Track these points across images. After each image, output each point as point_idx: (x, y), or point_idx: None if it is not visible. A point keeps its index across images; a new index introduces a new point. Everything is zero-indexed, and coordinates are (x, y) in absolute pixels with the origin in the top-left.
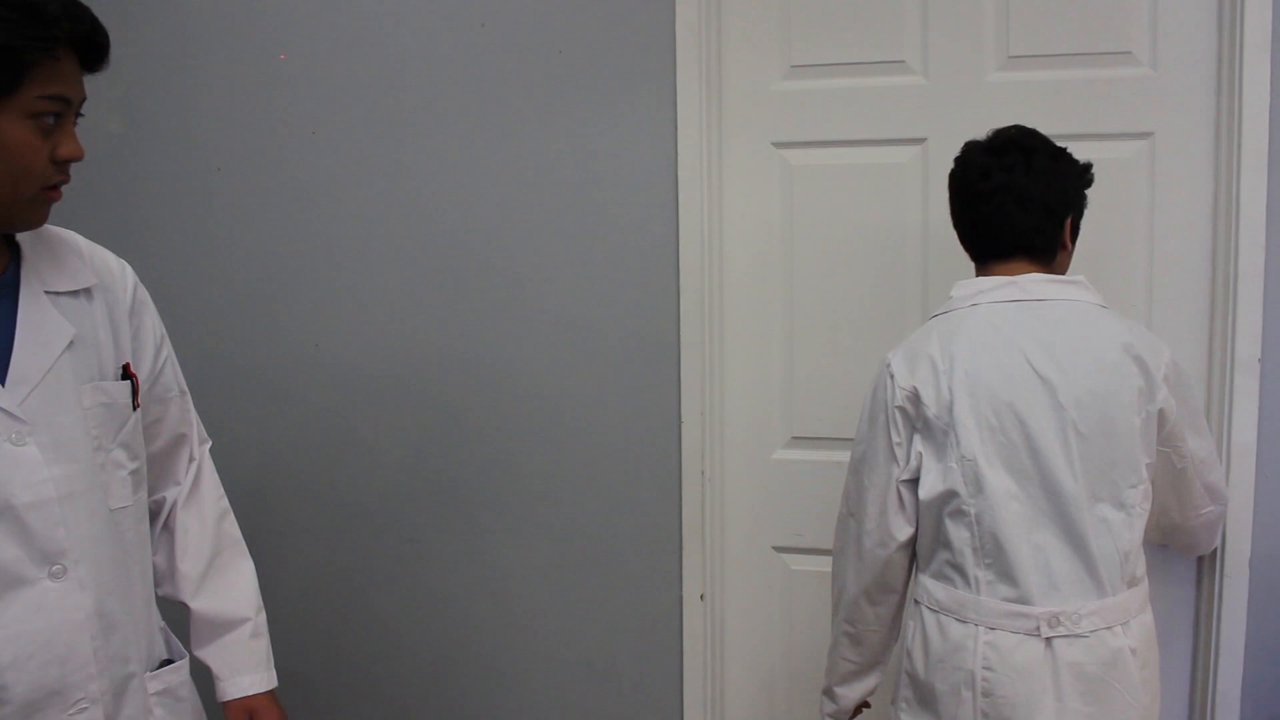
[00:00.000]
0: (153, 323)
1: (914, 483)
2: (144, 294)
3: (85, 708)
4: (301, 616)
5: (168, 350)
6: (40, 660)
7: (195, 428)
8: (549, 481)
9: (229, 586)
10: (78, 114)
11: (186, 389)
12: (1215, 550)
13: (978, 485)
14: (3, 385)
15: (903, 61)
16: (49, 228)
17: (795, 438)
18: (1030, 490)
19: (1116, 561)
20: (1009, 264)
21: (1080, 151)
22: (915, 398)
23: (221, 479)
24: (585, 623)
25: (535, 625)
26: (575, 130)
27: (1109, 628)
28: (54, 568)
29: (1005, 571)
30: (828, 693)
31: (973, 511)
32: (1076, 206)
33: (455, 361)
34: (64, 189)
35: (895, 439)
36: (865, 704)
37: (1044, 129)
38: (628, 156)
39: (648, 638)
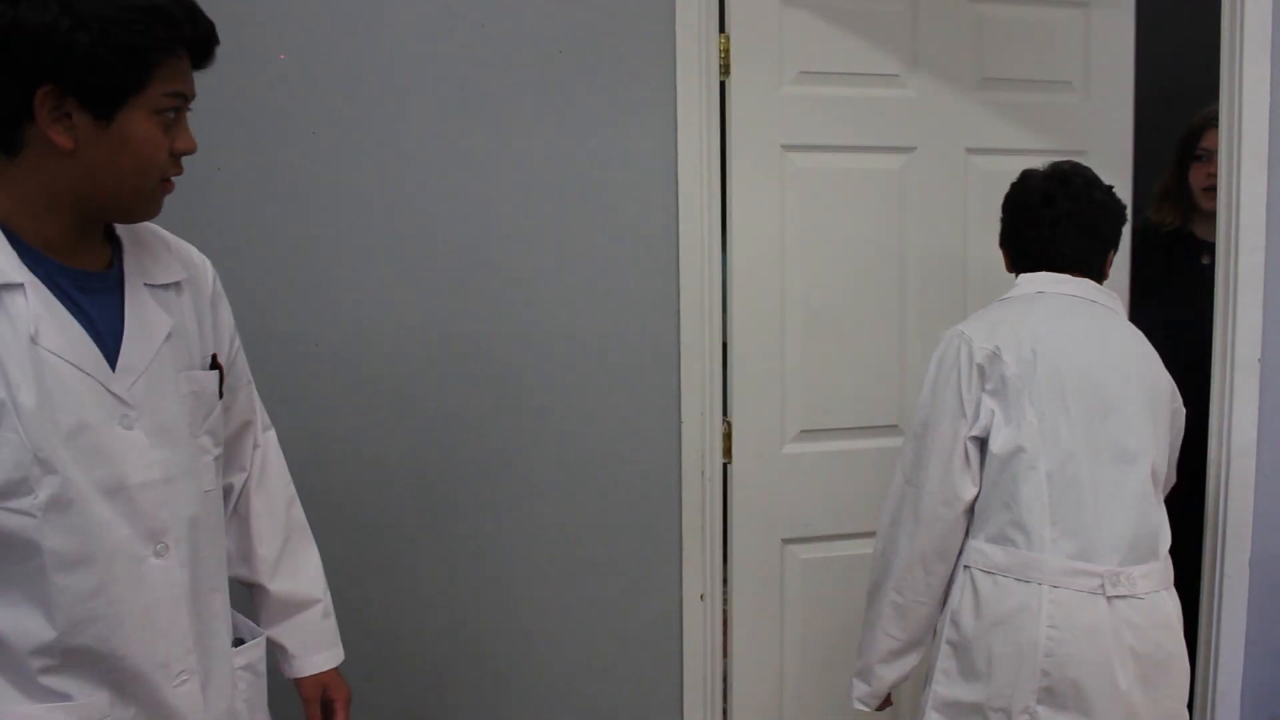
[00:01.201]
0: (228, 314)
1: (980, 442)
2: (220, 287)
3: (186, 679)
4: None
5: (239, 341)
6: (151, 632)
7: (260, 415)
8: (548, 482)
9: (301, 568)
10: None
11: (252, 378)
12: (1215, 550)
13: (1054, 442)
14: (113, 372)
15: (897, 75)
16: (143, 225)
17: (804, 431)
18: (1099, 451)
19: (1159, 529)
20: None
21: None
22: (997, 356)
23: None
24: (585, 623)
25: (535, 625)
26: (575, 130)
27: (1158, 591)
28: (158, 546)
29: (1073, 528)
30: (863, 674)
31: (1044, 467)
32: (1116, 241)
33: (454, 361)
34: None
35: (966, 395)
36: (889, 700)
37: (1012, 144)
38: (628, 156)
39: (648, 638)
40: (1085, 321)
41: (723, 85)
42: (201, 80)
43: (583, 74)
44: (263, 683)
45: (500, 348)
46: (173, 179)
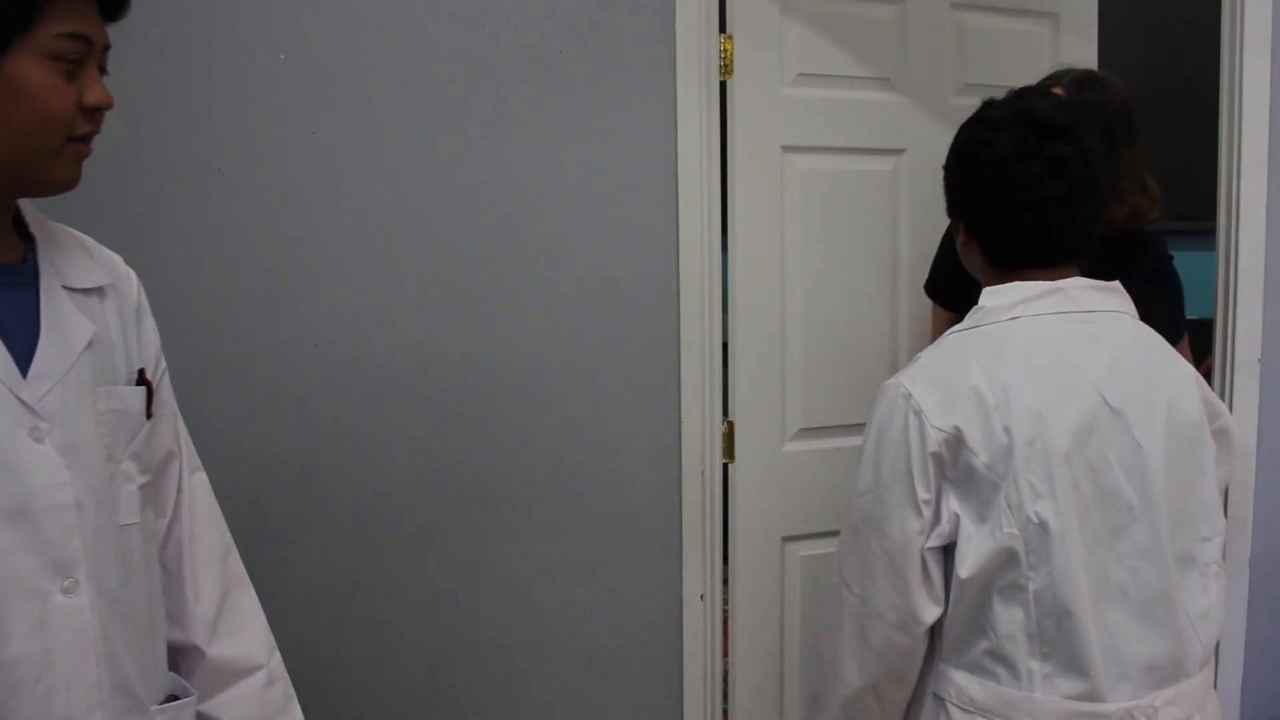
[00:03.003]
0: (154, 331)
1: (941, 551)
2: (145, 300)
3: None
4: (301, 616)
5: (164, 363)
6: (46, 685)
7: (186, 453)
8: (548, 482)
9: (243, 627)
10: (103, 66)
11: (178, 411)
12: None
13: (1043, 552)
14: (24, 379)
15: (888, 80)
16: (58, 225)
17: (804, 429)
18: (1101, 555)
19: (1196, 633)
20: (1054, 269)
21: None
22: (957, 441)
23: (221, 480)
24: (585, 623)
25: (536, 625)
26: (575, 130)
27: (1190, 718)
28: (66, 581)
29: (1070, 660)
30: None
31: (1032, 586)
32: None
33: (455, 361)
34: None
35: (922, 495)
36: None
37: None
38: (628, 157)
39: (648, 638)
40: (1081, 355)
41: (723, 86)
42: (201, 81)
43: (583, 74)
44: None
45: (501, 348)
46: (89, 142)
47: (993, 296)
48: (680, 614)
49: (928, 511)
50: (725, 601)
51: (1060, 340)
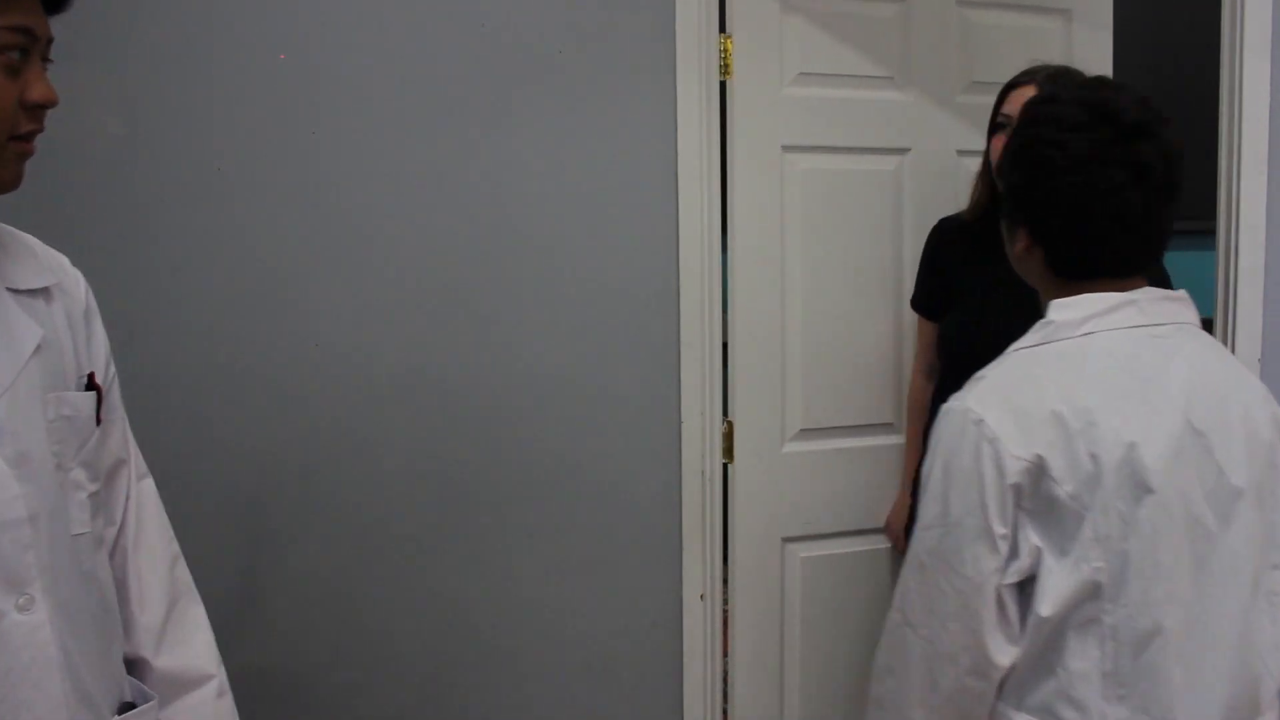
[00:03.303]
0: (103, 333)
1: (1017, 588)
2: (94, 303)
3: None
4: (300, 617)
5: (114, 368)
6: (10, 705)
7: (135, 459)
8: (549, 481)
9: (190, 637)
10: (46, 58)
11: (126, 417)
12: None
13: (1126, 584)
14: None
15: (891, 78)
16: (1, 225)
17: (804, 430)
18: (1184, 586)
19: (1268, 667)
20: (1125, 280)
21: None
22: (1039, 470)
23: (219, 480)
24: (585, 623)
25: (535, 625)
26: (575, 130)
27: None
28: (21, 598)
29: (1148, 702)
30: None
31: (1110, 621)
32: None
33: (455, 361)
34: (61, 191)
35: (999, 529)
36: None
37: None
38: (628, 157)
39: (648, 638)
40: (1161, 373)
41: (723, 86)
42: (201, 80)
43: (583, 74)
44: None
45: (500, 347)
46: (32, 141)
47: (1062, 310)
48: (680, 614)
49: (1004, 547)
50: (725, 601)
51: (1138, 357)
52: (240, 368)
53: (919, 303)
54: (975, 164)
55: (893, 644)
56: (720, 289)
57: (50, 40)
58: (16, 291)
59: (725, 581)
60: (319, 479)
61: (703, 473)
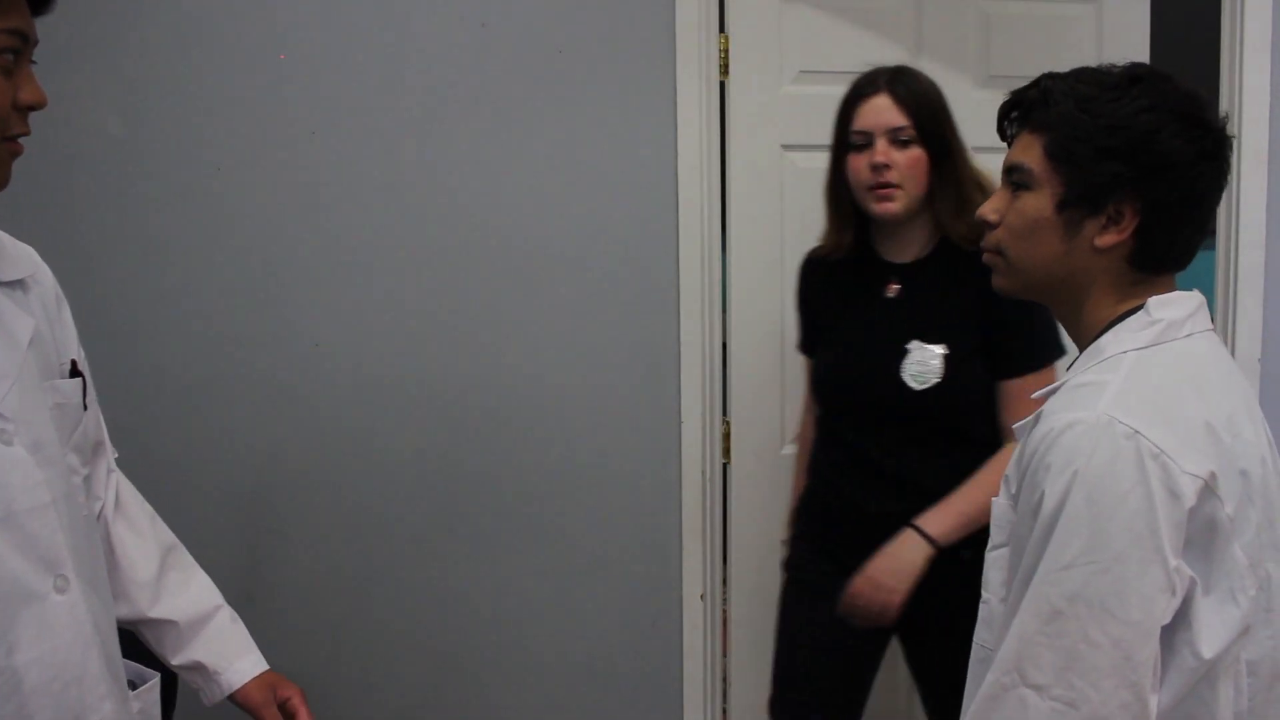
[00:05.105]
0: (71, 319)
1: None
2: (60, 289)
3: None
4: (302, 617)
5: (82, 350)
6: (62, 682)
7: (106, 436)
8: (550, 482)
9: (187, 582)
10: (31, 60)
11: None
12: None
13: (1265, 613)
14: None
15: None
16: None
17: None
18: None
19: None
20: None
21: None
22: (1209, 490)
23: (222, 479)
24: (586, 623)
25: (536, 625)
26: (575, 130)
27: None
28: (57, 579)
29: None
30: None
31: (1247, 656)
32: None
33: (455, 361)
34: (61, 191)
35: (1173, 561)
36: None
37: None
38: (628, 156)
39: (648, 638)
40: (1239, 378)
41: (722, 85)
42: (201, 80)
43: (583, 74)
44: None
45: (500, 347)
46: (20, 140)
47: (1165, 308)
48: (680, 614)
49: (1178, 583)
50: (725, 601)
51: (1228, 361)
52: (240, 367)
53: (800, 343)
54: (994, 161)
55: (1004, 717)
56: (720, 289)
57: (37, 43)
58: (1, 284)
59: (725, 581)
60: (319, 479)
61: (703, 473)
